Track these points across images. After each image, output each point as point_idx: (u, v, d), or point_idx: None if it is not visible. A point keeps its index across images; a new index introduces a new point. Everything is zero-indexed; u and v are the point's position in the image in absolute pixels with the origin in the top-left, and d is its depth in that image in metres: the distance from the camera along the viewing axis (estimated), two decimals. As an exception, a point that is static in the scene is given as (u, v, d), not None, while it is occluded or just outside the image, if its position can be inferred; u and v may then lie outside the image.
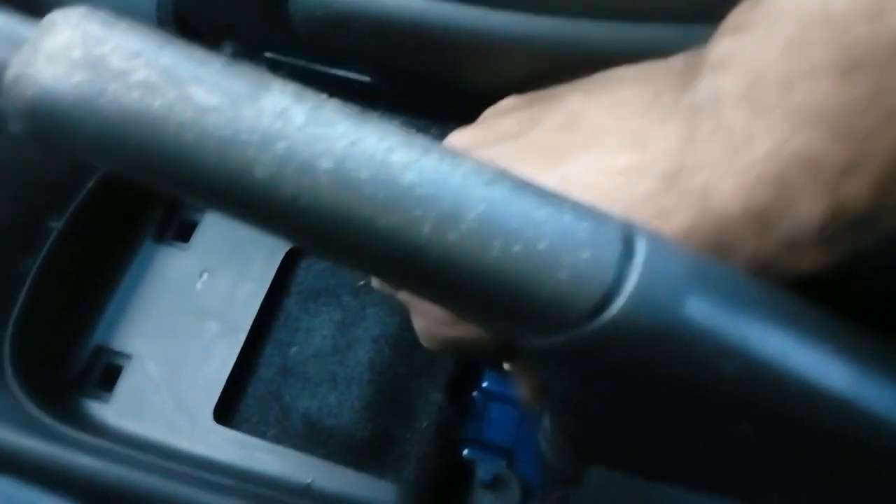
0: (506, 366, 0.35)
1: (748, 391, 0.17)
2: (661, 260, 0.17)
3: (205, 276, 0.36)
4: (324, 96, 0.17)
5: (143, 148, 0.15)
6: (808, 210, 0.19)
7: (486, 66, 0.27)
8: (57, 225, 0.32)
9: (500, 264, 0.16)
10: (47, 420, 0.30)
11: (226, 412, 0.33)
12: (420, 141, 0.17)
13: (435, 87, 0.29)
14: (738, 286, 0.18)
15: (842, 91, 0.18)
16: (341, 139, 0.16)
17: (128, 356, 0.34)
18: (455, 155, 0.17)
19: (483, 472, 0.33)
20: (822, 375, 0.17)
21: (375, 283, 0.32)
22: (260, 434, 0.33)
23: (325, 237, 0.16)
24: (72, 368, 0.34)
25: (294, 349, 0.35)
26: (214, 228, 0.37)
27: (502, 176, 0.17)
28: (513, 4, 0.24)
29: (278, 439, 0.33)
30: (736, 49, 0.20)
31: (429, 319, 0.26)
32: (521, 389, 0.31)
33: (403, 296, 0.26)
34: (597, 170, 0.21)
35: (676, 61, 0.22)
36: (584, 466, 0.25)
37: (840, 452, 0.19)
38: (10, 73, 0.15)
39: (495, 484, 0.33)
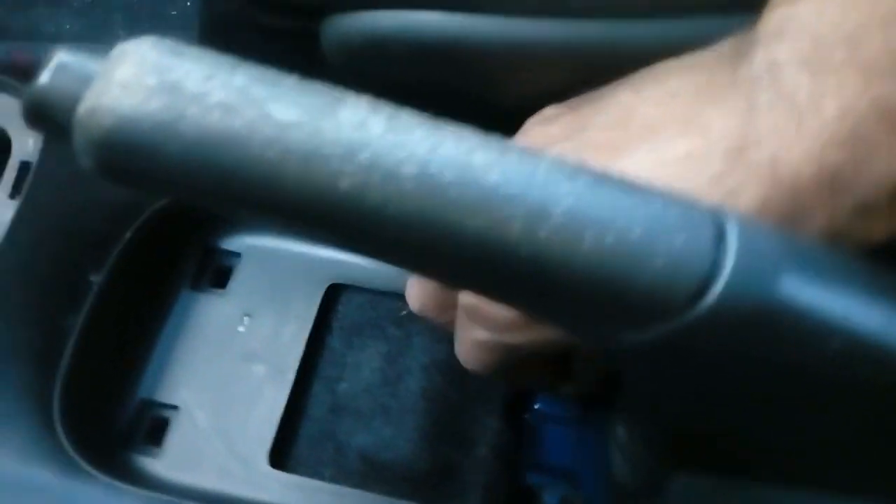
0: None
1: (853, 367, 0.17)
2: (755, 241, 0.16)
3: (246, 319, 0.35)
4: (394, 106, 0.16)
5: (226, 169, 0.15)
6: (885, 167, 0.18)
7: (526, 78, 0.27)
8: (97, 279, 0.32)
9: (594, 257, 0.15)
10: (101, 476, 0.29)
11: (280, 456, 0.32)
12: (496, 141, 0.16)
13: (472, 107, 0.29)
14: (833, 261, 0.17)
15: None
16: (421, 144, 0.15)
17: (174, 407, 0.33)
18: (533, 152, 0.16)
19: (549, 497, 0.32)
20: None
21: (416, 307, 0.30)
22: (317, 475, 0.32)
23: (413, 245, 0.16)
24: (119, 424, 0.33)
25: (343, 385, 0.34)
26: (250, 272, 0.37)
27: (583, 169, 0.16)
28: (550, 10, 0.24)
29: (336, 479, 0.32)
30: (792, 16, 0.19)
31: (488, 327, 0.25)
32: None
33: (462, 304, 0.25)
34: (657, 160, 0.21)
35: (724, 46, 0.22)
36: (664, 476, 0.24)
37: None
38: (84, 106, 0.15)
39: (562, 507, 0.32)
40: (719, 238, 0.16)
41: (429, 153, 0.15)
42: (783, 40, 0.19)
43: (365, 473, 0.32)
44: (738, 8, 0.23)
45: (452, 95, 0.28)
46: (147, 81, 0.15)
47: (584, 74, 0.24)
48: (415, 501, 0.31)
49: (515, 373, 0.30)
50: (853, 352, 0.17)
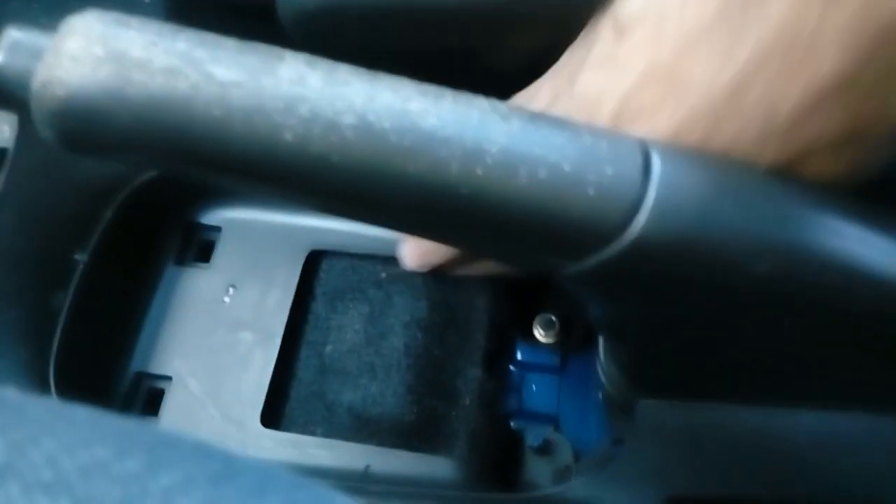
0: (536, 333, 0.36)
1: (784, 286, 0.18)
2: (680, 168, 0.17)
3: (231, 290, 0.36)
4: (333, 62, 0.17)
5: (174, 129, 0.16)
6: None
7: (492, 39, 0.27)
8: (83, 257, 0.33)
9: (529, 191, 0.16)
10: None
11: (272, 419, 0.34)
12: (431, 88, 0.17)
13: (425, 71, 0.30)
14: (757, 184, 0.18)
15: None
16: (359, 95, 0.16)
17: (168, 378, 0.35)
18: (468, 96, 0.17)
19: (532, 437, 0.34)
20: (854, 257, 0.18)
21: (406, 259, 0.32)
22: (309, 433, 0.33)
23: (357, 193, 0.17)
24: (115, 397, 0.34)
25: (329, 347, 0.35)
26: (232, 245, 0.38)
27: (517, 110, 0.17)
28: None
29: (328, 435, 0.33)
30: None
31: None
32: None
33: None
34: None
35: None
36: (634, 398, 0.25)
37: (884, 332, 0.19)
38: (38, 79, 0.16)
39: (545, 448, 0.34)
40: (646, 167, 0.17)
41: (366, 103, 0.16)
42: None
43: (355, 428, 0.33)
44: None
45: (410, 59, 0.29)
46: (95, 51, 0.16)
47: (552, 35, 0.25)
48: (404, 450, 0.32)
49: None
50: (782, 272, 0.18)
